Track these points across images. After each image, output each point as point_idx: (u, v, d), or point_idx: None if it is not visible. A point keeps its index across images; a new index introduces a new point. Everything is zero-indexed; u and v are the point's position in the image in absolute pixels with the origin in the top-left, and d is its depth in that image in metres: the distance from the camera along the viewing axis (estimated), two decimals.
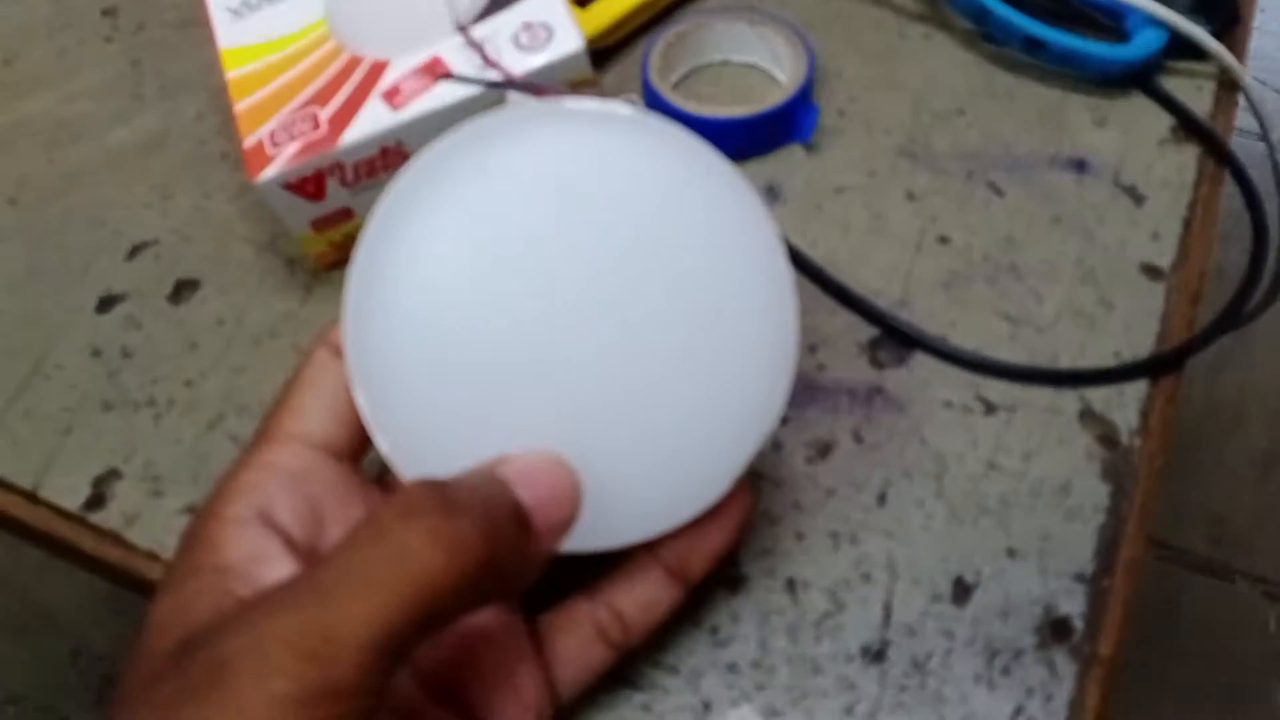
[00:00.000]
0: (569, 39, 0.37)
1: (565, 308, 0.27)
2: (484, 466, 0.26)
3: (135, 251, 0.43)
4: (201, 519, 0.27)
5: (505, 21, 0.37)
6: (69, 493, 0.37)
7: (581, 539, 0.27)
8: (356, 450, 0.29)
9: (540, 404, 0.27)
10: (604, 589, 0.30)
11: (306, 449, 0.28)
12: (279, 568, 0.25)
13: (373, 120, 0.36)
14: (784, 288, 0.29)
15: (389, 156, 0.37)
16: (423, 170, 0.28)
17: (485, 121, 0.28)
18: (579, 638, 0.29)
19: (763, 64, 0.45)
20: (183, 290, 0.42)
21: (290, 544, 0.26)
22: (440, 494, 0.23)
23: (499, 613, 0.29)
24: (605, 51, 0.46)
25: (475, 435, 0.27)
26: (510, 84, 0.35)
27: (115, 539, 0.36)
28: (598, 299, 0.27)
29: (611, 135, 0.28)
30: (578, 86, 0.38)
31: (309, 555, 0.26)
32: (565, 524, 0.26)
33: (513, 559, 0.24)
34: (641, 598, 0.30)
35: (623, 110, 0.28)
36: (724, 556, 0.30)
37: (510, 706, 0.28)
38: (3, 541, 1.35)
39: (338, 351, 0.29)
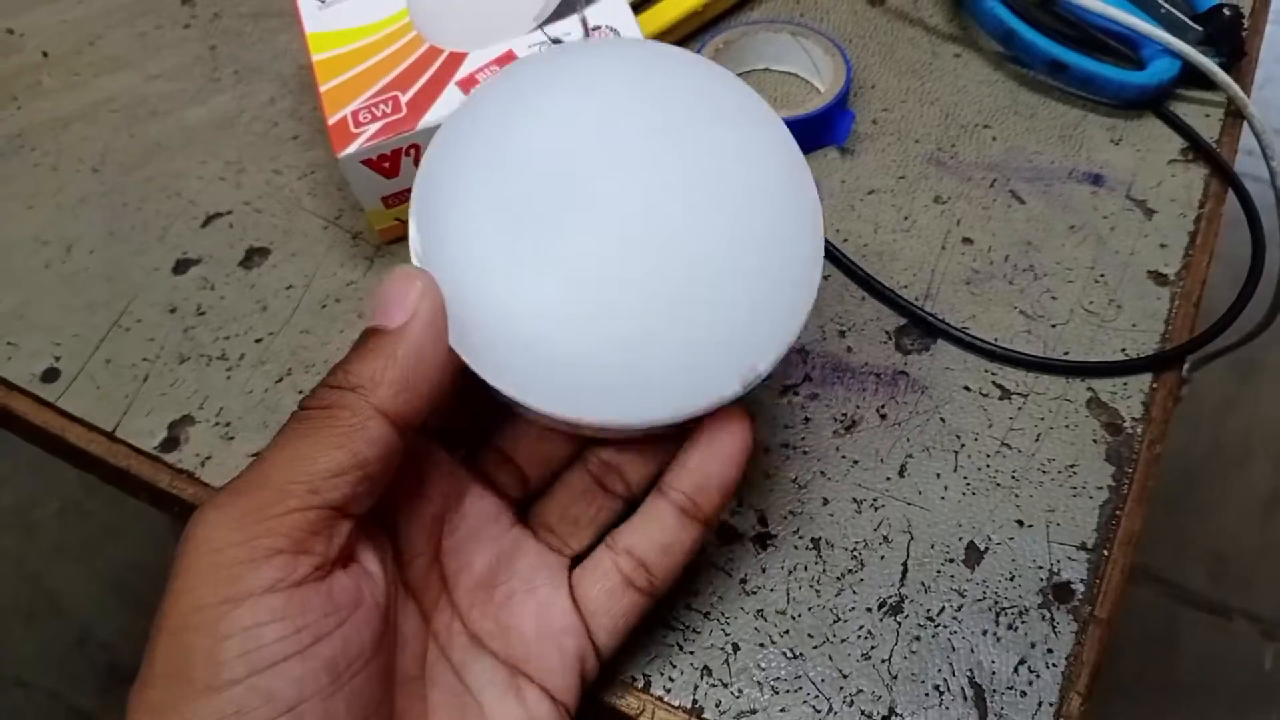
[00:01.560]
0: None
1: (611, 168, 0.30)
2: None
3: (209, 220, 0.46)
4: None
5: (575, 22, 0.40)
6: (146, 435, 0.40)
7: (597, 408, 0.28)
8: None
9: (578, 251, 0.29)
10: (622, 536, 0.32)
11: None
12: None
13: (450, 106, 0.39)
14: (807, 191, 0.30)
15: None
16: (500, 73, 0.32)
17: (552, 49, 0.32)
18: (606, 586, 0.31)
19: (802, 73, 0.48)
20: (254, 256, 0.45)
21: None
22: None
23: (541, 567, 0.32)
24: None
25: (512, 274, 0.29)
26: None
27: (190, 477, 0.38)
28: (641, 168, 0.30)
29: (659, 55, 0.32)
30: None
31: None
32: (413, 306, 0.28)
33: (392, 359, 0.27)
34: (659, 540, 0.31)
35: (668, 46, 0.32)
36: (731, 490, 0.31)
37: (552, 656, 0.30)
38: (15, 528, 1.37)
39: None
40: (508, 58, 0.40)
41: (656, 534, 0.31)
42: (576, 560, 0.32)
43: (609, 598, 0.31)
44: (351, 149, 0.39)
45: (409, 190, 0.41)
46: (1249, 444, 1.30)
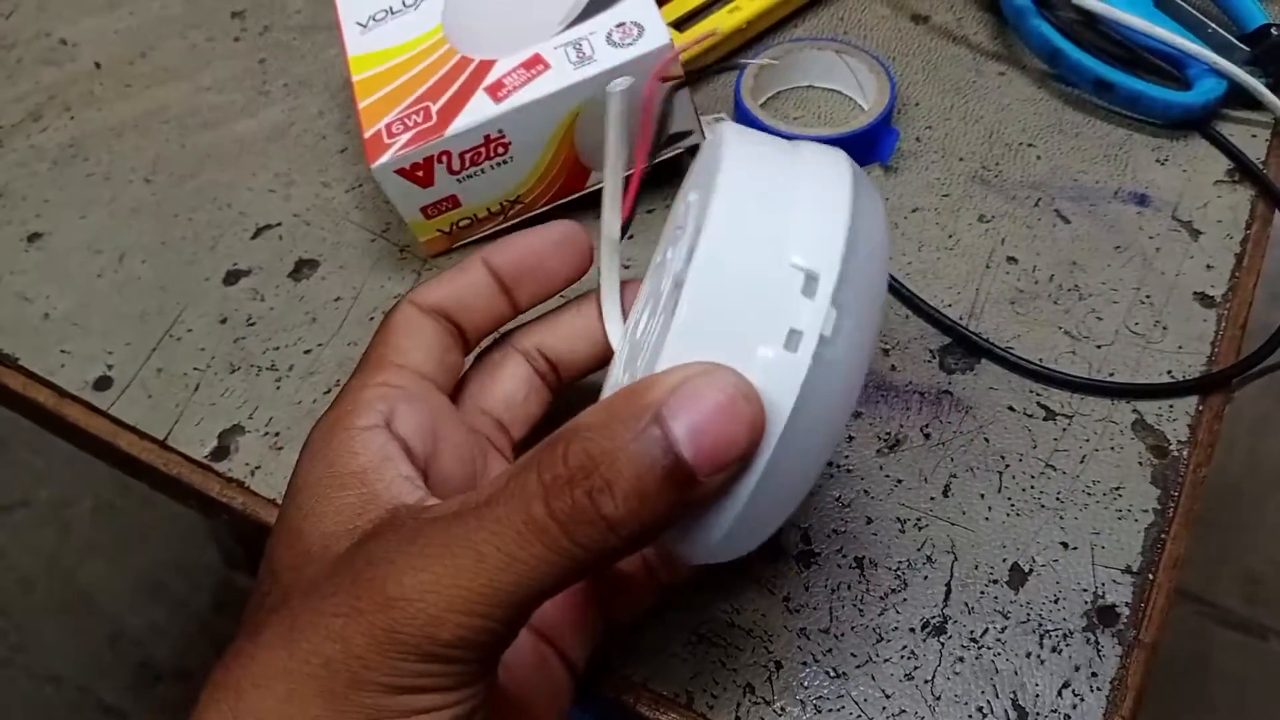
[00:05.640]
0: (657, 35, 0.40)
1: None
2: (638, 403, 0.23)
3: (259, 232, 0.47)
4: (328, 431, 0.29)
5: (601, 21, 0.41)
6: (197, 444, 0.40)
7: None
8: (448, 390, 0.32)
9: None
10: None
11: (415, 375, 0.31)
12: (403, 468, 0.27)
13: (477, 111, 0.40)
14: None
15: (491, 146, 0.41)
16: None
17: None
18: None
19: (846, 90, 0.48)
20: (303, 269, 0.45)
21: (409, 450, 0.28)
22: (584, 481, 0.23)
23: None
24: (701, 72, 0.50)
25: None
26: None
27: (240, 486, 0.39)
28: None
29: None
30: (665, 80, 0.42)
31: (426, 464, 0.29)
32: (733, 465, 0.23)
33: (664, 520, 0.23)
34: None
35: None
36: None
37: (570, 627, 0.31)
38: (49, 524, 1.38)
39: (423, 309, 0.31)
40: (534, 61, 0.40)
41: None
42: None
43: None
44: (384, 159, 0.40)
45: (448, 200, 0.42)
46: None
